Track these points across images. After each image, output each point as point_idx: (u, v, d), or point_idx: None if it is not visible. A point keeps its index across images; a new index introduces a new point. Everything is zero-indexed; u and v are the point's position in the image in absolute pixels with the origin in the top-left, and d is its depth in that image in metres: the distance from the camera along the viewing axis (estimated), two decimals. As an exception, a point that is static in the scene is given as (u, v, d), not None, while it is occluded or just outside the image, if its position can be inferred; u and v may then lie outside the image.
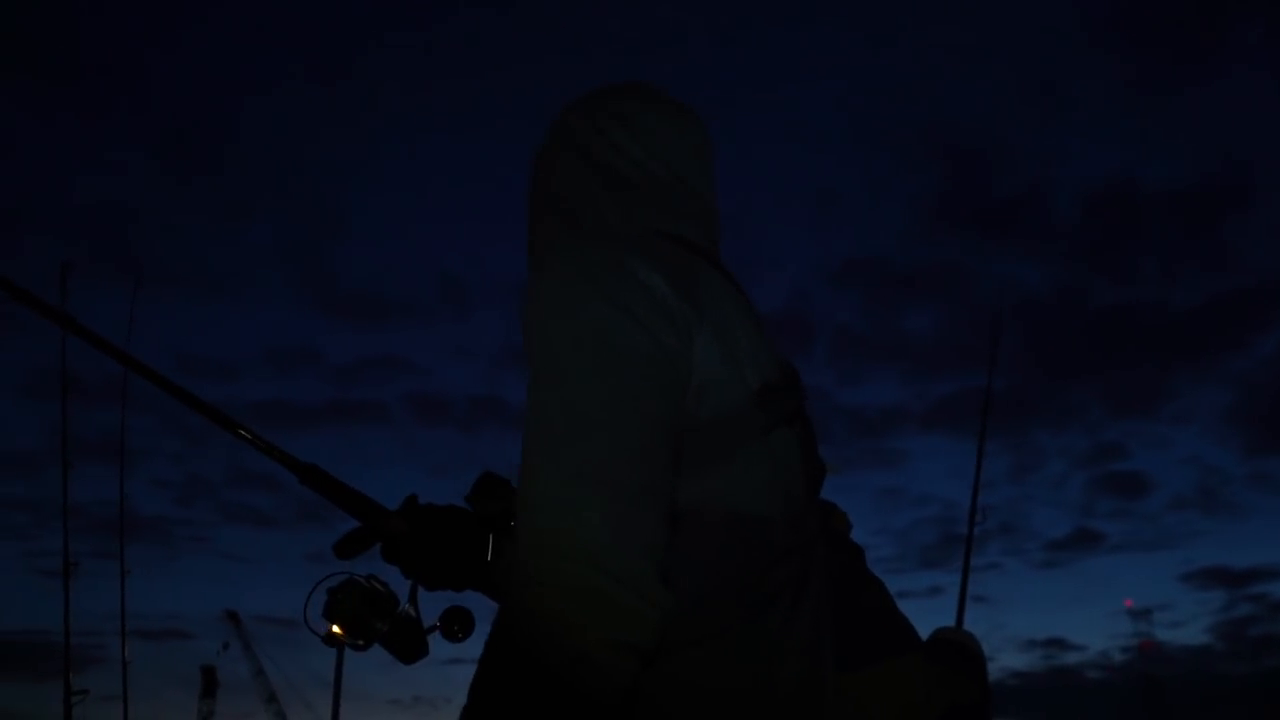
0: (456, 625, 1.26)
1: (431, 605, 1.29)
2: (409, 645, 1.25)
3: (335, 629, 1.23)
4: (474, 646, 1.31)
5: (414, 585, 1.25)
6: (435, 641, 1.27)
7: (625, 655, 0.78)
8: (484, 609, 1.27)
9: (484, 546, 1.22)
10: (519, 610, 0.80)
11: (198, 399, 1.32)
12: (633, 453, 0.83)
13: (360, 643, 1.23)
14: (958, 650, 1.00)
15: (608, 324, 0.86)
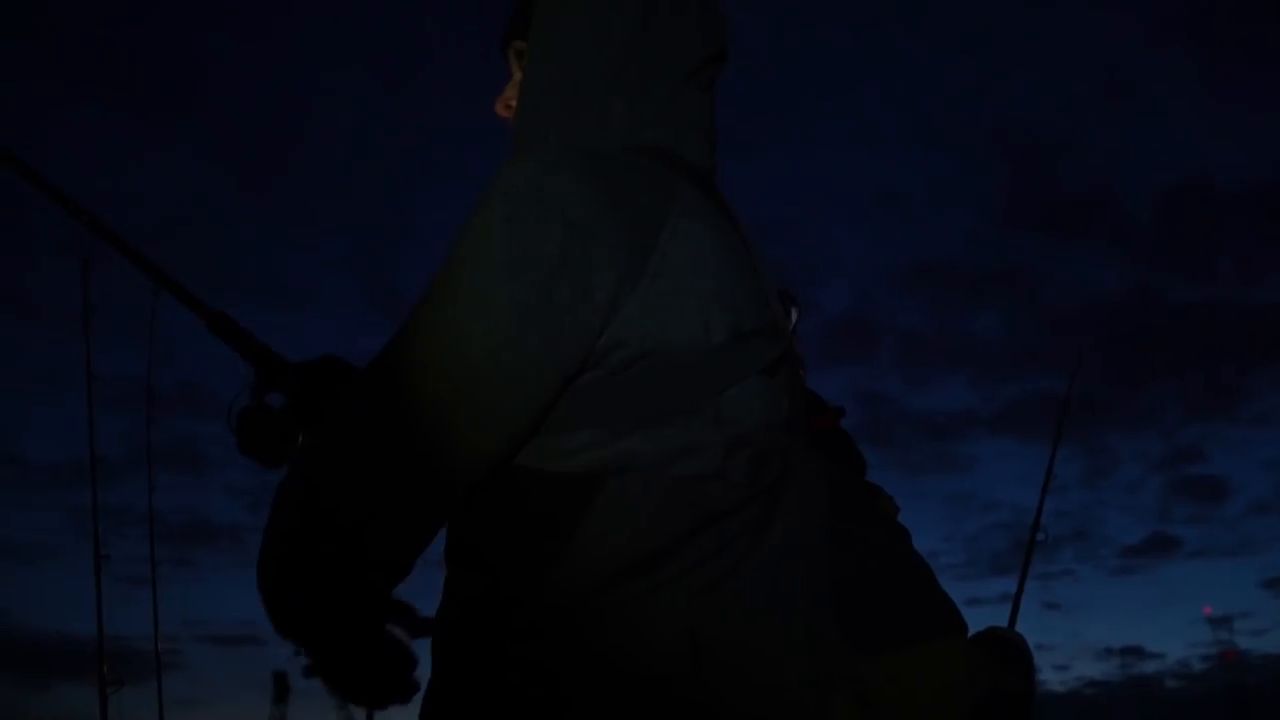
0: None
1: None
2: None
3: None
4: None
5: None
6: None
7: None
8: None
9: None
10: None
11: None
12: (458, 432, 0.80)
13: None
14: (1005, 645, 0.98)
15: (499, 266, 0.81)
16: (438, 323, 0.82)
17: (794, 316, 1.02)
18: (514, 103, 1.09)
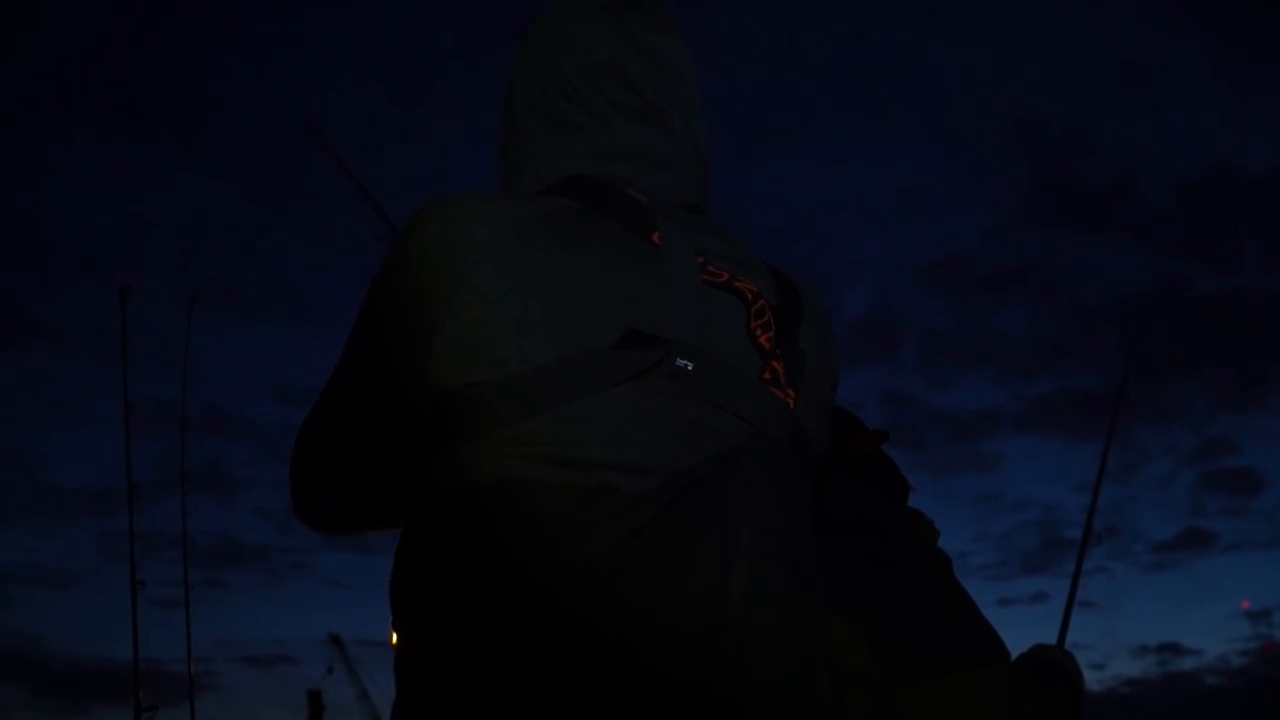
0: None
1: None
2: None
3: None
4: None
5: None
6: None
7: None
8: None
9: None
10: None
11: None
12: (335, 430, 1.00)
13: None
14: (1050, 667, 0.94)
15: (371, 298, 0.96)
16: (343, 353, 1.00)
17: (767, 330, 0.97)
18: None
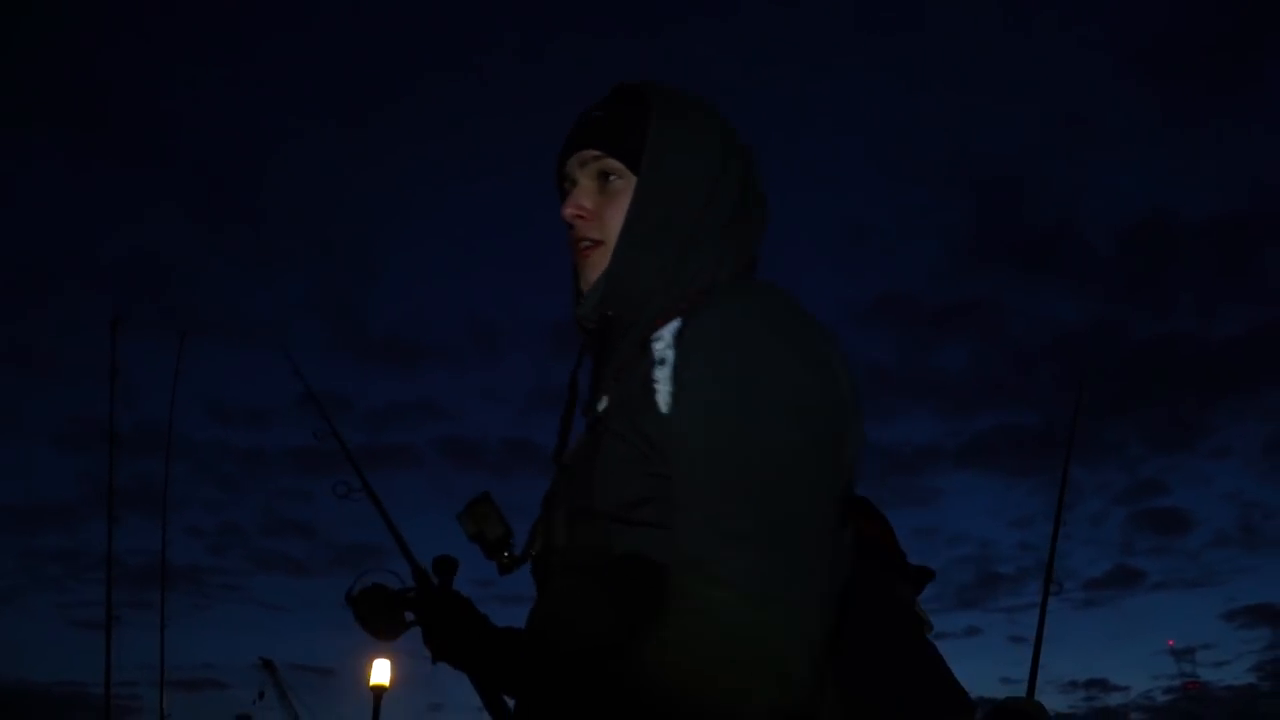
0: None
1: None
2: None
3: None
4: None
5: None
6: None
7: None
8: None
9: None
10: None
11: None
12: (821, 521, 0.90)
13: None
14: (1018, 717, 0.97)
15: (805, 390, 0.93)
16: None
17: None
18: (586, 214, 1.15)
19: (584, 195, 1.15)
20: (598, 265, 1.12)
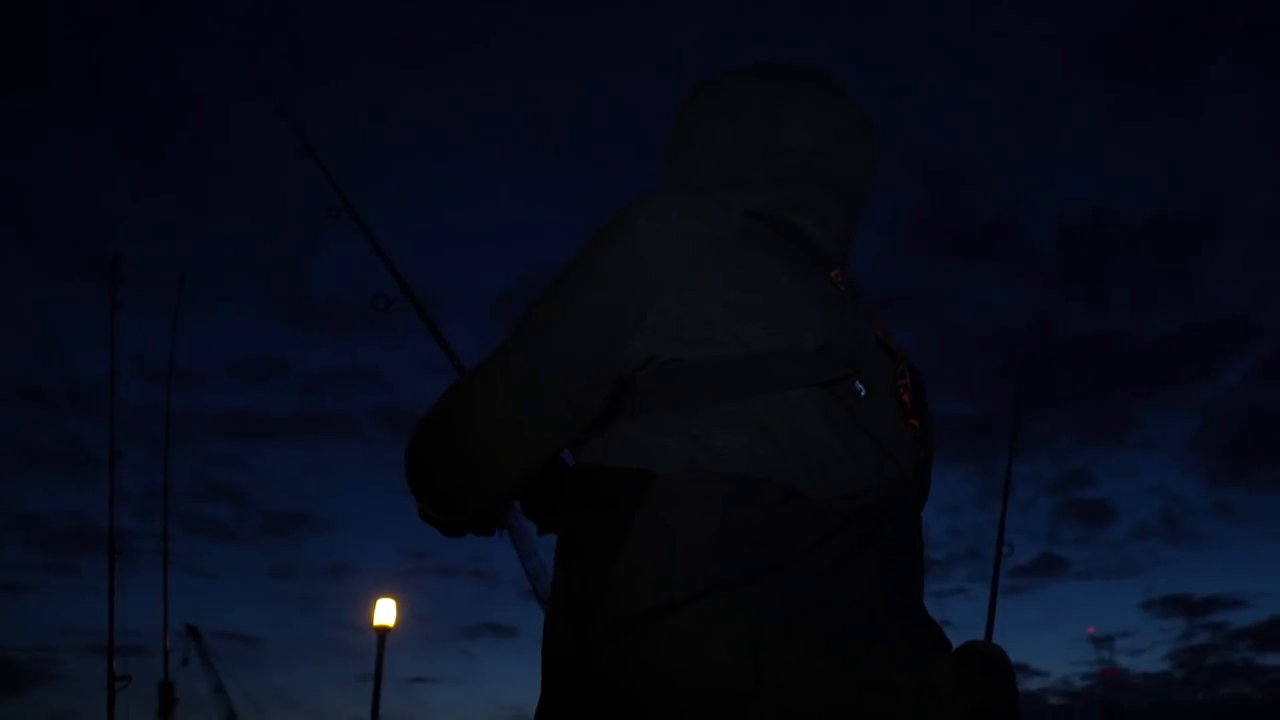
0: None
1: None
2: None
3: None
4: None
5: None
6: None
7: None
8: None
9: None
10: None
11: None
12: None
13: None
14: (985, 658, 1.03)
15: (587, 260, 0.95)
16: (523, 319, 0.97)
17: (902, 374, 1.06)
18: None
19: None
20: None
